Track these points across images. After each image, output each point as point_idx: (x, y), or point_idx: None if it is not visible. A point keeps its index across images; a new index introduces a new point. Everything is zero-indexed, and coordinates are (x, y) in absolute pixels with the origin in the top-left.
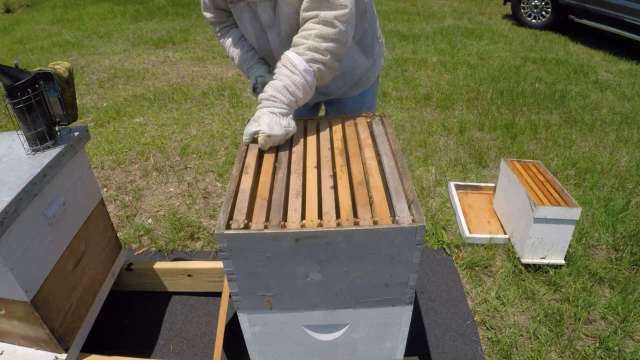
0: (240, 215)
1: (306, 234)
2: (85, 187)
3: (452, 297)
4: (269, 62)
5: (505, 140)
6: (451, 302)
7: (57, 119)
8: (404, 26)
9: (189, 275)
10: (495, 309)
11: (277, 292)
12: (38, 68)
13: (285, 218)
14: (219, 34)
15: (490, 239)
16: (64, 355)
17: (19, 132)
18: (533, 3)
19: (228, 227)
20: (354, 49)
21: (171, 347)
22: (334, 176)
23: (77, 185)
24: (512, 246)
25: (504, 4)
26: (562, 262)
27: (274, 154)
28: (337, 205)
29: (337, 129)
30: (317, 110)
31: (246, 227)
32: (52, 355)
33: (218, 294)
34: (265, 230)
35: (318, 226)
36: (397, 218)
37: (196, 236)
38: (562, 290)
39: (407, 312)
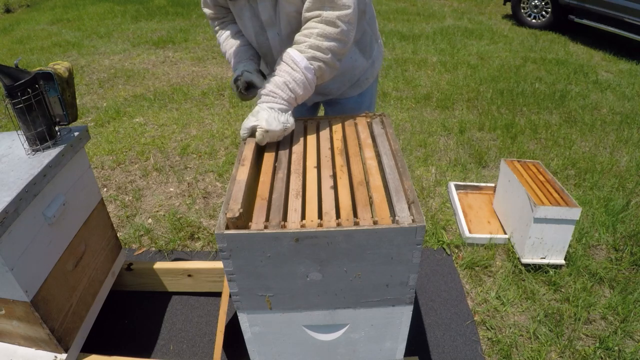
0: (235, 205)
1: (306, 234)
2: (85, 187)
3: (452, 297)
4: (266, 61)
5: (505, 140)
6: (451, 302)
7: (57, 119)
8: (404, 26)
9: (189, 275)
10: (495, 309)
11: (277, 292)
12: (38, 68)
13: (285, 218)
14: (216, 28)
15: (490, 239)
16: (64, 355)
17: (19, 132)
18: (533, 3)
19: (227, 226)
20: (353, 50)
21: (171, 347)
22: (334, 176)
23: (77, 185)
24: (512, 246)
25: (504, 4)
26: (562, 262)
27: (274, 154)
28: (337, 205)
29: (337, 129)
30: (316, 111)
31: (241, 216)
32: (52, 355)
33: (218, 294)
34: (265, 230)
35: (318, 226)
36: (397, 218)
37: (196, 236)
38: (562, 290)
39: (407, 312)
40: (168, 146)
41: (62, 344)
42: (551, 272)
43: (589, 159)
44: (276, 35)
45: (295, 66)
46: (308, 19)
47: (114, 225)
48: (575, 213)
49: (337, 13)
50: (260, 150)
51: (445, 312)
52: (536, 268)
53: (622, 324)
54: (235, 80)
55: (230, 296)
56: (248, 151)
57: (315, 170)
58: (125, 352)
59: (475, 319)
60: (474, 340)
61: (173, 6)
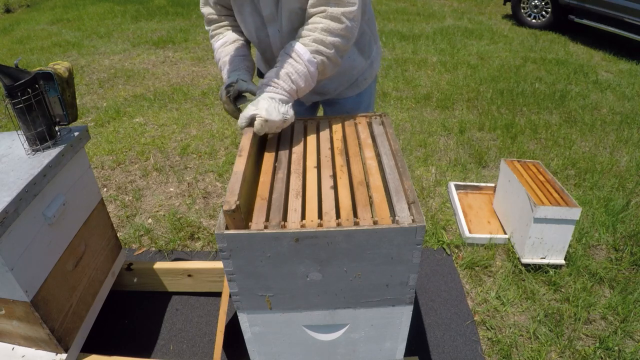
0: (232, 197)
1: (306, 234)
2: (85, 187)
3: (452, 297)
4: (265, 57)
5: (505, 140)
6: (451, 302)
7: (57, 119)
8: (404, 26)
9: (189, 275)
10: (495, 309)
11: (277, 292)
12: (38, 68)
13: (285, 218)
14: (212, 33)
15: (490, 239)
16: (64, 355)
17: (19, 132)
18: (533, 3)
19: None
20: (352, 49)
21: (171, 347)
22: (334, 176)
23: (77, 185)
24: (512, 246)
25: (504, 4)
26: (562, 262)
27: (274, 154)
28: (337, 205)
29: (337, 129)
30: (314, 111)
31: (238, 208)
32: (52, 355)
33: (218, 294)
34: (265, 230)
35: (318, 226)
36: (397, 218)
37: (196, 236)
38: (562, 290)
39: (407, 312)
40: (168, 146)
41: (62, 344)
42: (551, 272)
43: (589, 159)
44: (277, 31)
45: (298, 58)
46: (312, 15)
47: (114, 225)
48: (575, 213)
49: (342, 9)
50: (260, 143)
51: (445, 312)
52: (536, 268)
53: (622, 324)
54: (227, 87)
55: (230, 296)
56: (246, 141)
57: (315, 170)
58: (125, 352)
59: (475, 319)
60: (474, 340)
61: (173, 6)
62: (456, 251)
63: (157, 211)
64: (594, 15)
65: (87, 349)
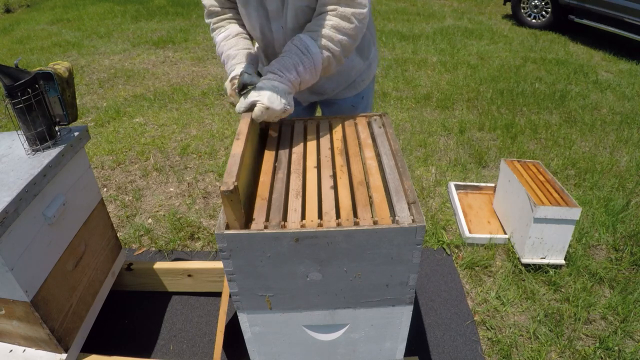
0: (229, 178)
1: (306, 234)
2: (85, 187)
3: (452, 297)
4: (267, 53)
5: (505, 140)
6: (451, 302)
7: (57, 119)
8: (404, 26)
9: (189, 275)
10: (495, 309)
11: (277, 292)
12: (38, 68)
13: (285, 218)
14: (213, 26)
15: (490, 239)
16: (64, 355)
17: (19, 132)
18: (533, 3)
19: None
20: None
21: (171, 347)
22: (334, 176)
23: (77, 185)
24: (512, 246)
25: (504, 4)
26: (562, 262)
27: (274, 154)
28: (337, 205)
29: (337, 129)
30: (312, 112)
31: (235, 189)
32: (52, 355)
33: (218, 294)
34: (265, 230)
35: (318, 226)
36: (397, 218)
37: (196, 236)
38: (562, 290)
39: (407, 312)
40: (168, 146)
41: (62, 344)
42: (551, 272)
43: (589, 159)
44: (280, 28)
45: (306, 51)
46: (322, 12)
47: (114, 225)
48: (575, 213)
49: (353, 10)
50: (260, 140)
51: (445, 312)
52: (536, 268)
53: (622, 324)
54: (232, 80)
55: (230, 296)
56: (243, 126)
57: (315, 170)
58: (125, 352)
59: (475, 319)
60: (474, 340)
61: (173, 6)
62: (456, 251)
63: (157, 211)
64: (594, 15)
65: (87, 349)
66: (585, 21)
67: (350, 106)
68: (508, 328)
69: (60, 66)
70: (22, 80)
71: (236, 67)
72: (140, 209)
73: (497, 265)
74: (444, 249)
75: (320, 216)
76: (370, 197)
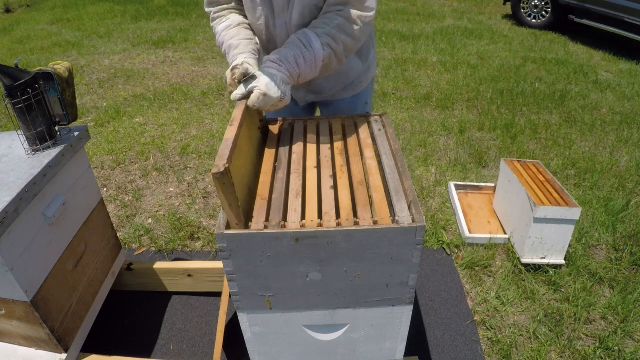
0: (221, 161)
1: (306, 234)
2: (85, 187)
3: (452, 297)
4: (268, 48)
5: (505, 140)
6: (451, 302)
7: (57, 119)
8: (404, 26)
9: (189, 275)
10: (495, 309)
11: (277, 292)
12: (38, 68)
13: (285, 218)
14: (214, 15)
15: (490, 239)
16: (64, 355)
17: (19, 132)
18: (533, 3)
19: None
20: None
21: (171, 347)
22: (334, 176)
23: (77, 185)
24: (512, 246)
25: (504, 4)
26: (562, 262)
27: (274, 154)
28: (337, 205)
29: (337, 129)
30: (311, 112)
31: (227, 171)
32: (52, 355)
33: (218, 294)
34: (265, 230)
35: (318, 226)
36: (397, 218)
37: (196, 236)
38: (562, 290)
39: (407, 312)
40: (168, 146)
41: (62, 344)
42: (551, 272)
43: (589, 159)
44: (284, 24)
45: (308, 45)
46: (329, 10)
47: (114, 225)
48: (575, 213)
49: (359, 13)
50: (260, 141)
51: (445, 312)
52: (536, 268)
53: (622, 324)
54: (233, 69)
55: (230, 296)
56: (238, 112)
57: (315, 170)
58: (125, 352)
59: (475, 319)
60: (474, 340)
61: (173, 6)
62: (456, 251)
63: (157, 211)
64: (594, 15)
65: (87, 349)
66: (585, 21)
67: (349, 107)
68: (508, 328)
69: (60, 66)
70: (22, 80)
71: (238, 57)
72: (140, 209)
73: (497, 265)
74: (444, 249)
75: (320, 216)
76: (370, 197)
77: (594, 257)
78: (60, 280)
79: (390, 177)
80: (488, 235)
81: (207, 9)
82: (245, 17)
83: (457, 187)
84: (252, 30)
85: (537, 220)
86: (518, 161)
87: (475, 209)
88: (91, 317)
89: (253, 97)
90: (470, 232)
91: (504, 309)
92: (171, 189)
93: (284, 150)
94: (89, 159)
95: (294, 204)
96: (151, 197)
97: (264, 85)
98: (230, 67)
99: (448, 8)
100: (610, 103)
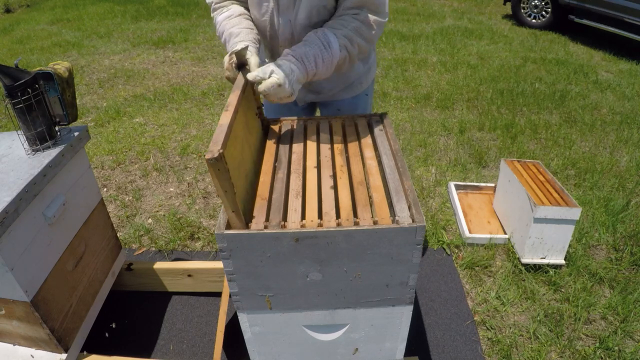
0: (215, 146)
1: (306, 234)
2: (85, 187)
3: (452, 297)
4: (271, 45)
5: (505, 140)
6: (451, 302)
7: (57, 119)
8: (404, 26)
9: (189, 275)
10: (495, 309)
11: (277, 292)
12: (38, 68)
13: (285, 218)
14: (215, 6)
15: (490, 239)
16: (64, 355)
17: (19, 132)
18: (533, 3)
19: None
20: None
21: (171, 347)
22: (334, 176)
23: (77, 185)
24: (512, 246)
25: (504, 4)
26: (562, 262)
27: (274, 154)
28: (337, 205)
29: (337, 129)
30: (311, 112)
31: (221, 157)
32: (52, 355)
33: (218, 294)
34: (265, 230)
35: (318, 226)
36: (397, 218)
37: (196, 236)
38: (562, 290)
39: (407, 312)
40: (168, 146)
41: (62, 344)
42: (551, 272)
43: (589, 159)
44: (288, 21)
45: (327, 46)
46: (345, 13)
47: (114, 225)
48: (575, 213)
49: (375, 17)
50: (260, 141)
51: (445, 312)
52: (536, 268)
53: (622, 324)
54: (231, 54)
55: (230, 296)
56: (233, 98)
57: (315, 170)
58: (125, 352)
59: (475, 319)
60: (474, 340)
61: (173, 6)
62: (456, 251)
63: (157, 211)
64: (594, 15)
65: (87, 349)
66: (585, 21)
67: (348, 108)
68: (508, 328)
69: (60, 66)
70: (22, 80)
71: (239, 44)
72: (140, 209)
73: (497, 265)
74: (444, 249)
75: (320, 216)
76: (370, 197)
77: (594, 257)
78: (60, 280)
79: (390, 177)
80: (488, 235)
81: (208, 0)
82: (246, 9)
83: (457, 187)
84: (252, 21)
85: (537, 220)
86: (518, 161)
87: (475, 209)
88: (91, 317)
89: (268, 82)
90: (470, 232)
91: (504, 309)
92: (171, 189)
93: (284, 150)
94: (89, 159)
95: (294, 204)
96: (151, 197)
97: (282, 76)
98: (229, 52)
99: (448, 8)
100: (610, 103)
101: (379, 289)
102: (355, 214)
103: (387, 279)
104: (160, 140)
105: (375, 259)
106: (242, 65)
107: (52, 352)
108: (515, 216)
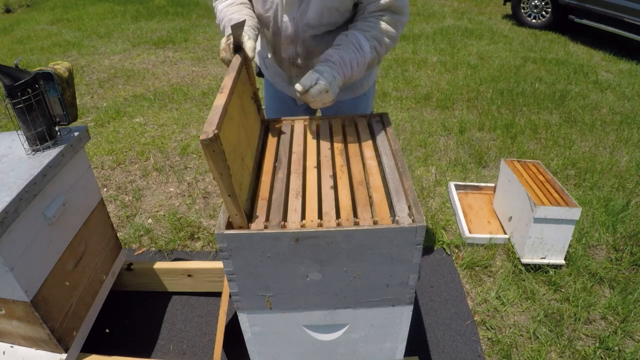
0: (210, 127)
1: (306, 234)
2: (85, 187)
3: (452, 297)
4: (273, 41)
5: (505, 140)
6: (451, 302)
7: (57, 119)
8: None
9: (189, 275)
10: (495, 309)
11: (277, 292)
12: (38, 68)
13: (285, 218)
14: None
15: (490, 239)
16: (64, 355)
17: (19, 132)
18: (533, 3)
19: (228, 227)
20: None
21: (171, 347)
22: (334, 176)
23: (77, 185)
24: (512, 246)
25: (504, 4)
26: (562, 262)
27: (274, 154)
28: (337, 205)
29: (337, 129)
30: (311, 112)
31: (215, 137)
32: (52, 355)
33: (218, 294)
34: (265, 230)
35: (318, 226)
36: (397, 218)
37: (196, 236)
38: (562, 290)
39: (407, 312)
40: (168, 146)
41: (62, 344)
42: (551, 272)
43: (589, 159)
44: (292, 19)
45: (360, 49)
46: (370, 15)
47: (114, 225)
48: (575, 213)
49: (398, 17)
50: (260, 143)
51: (445, 312)
52: (536, 268)
53: (622, 324)
54: (229, 35)
55: (230, 296)
56: (228, 80)
57: (315, 170)
58: (125, 352)
59: (475, 319)
60: (474, 340)
61: (173, 6)
62: (456, 251)
63: (157, 211)
64: (594, 15)
65: (87, 349)
66: (585, 21)
67: (349, 108)
68: (508, 328)
69: (60, 66)
70: (22, 80)
71: (235, 20)
72: (140, 209)
73: (497, 265)
74: (444, 249)
75: (320, 216)
76: (370, 197)
77: (594, 257)
78: (60, 280)
79: (390, 177)
80: (488, 235)
81: None
82: (250, 1)
83: (457, 187)
84: (254, 11)
85: (537, 220)
86: (518, 161)
87: (475, 209)
88: (91, 317)
89: (316, 90)
90: (470, 232)
91: (504, 309)
92: (171, 189)
93: (284, 150)
94: (89, 159)
95: (294, 204)
96: (151, 197)
97: (329, 83)
98: (227, 34)
99: (448, 8)
100: (610, 103)
101: (379, 289)
102: (355, 214)
103: (387, 279)
104: (160, 140)
105: (375, 259)
106: (239, 48)
107: (52, 352)
108: (515, 216)
